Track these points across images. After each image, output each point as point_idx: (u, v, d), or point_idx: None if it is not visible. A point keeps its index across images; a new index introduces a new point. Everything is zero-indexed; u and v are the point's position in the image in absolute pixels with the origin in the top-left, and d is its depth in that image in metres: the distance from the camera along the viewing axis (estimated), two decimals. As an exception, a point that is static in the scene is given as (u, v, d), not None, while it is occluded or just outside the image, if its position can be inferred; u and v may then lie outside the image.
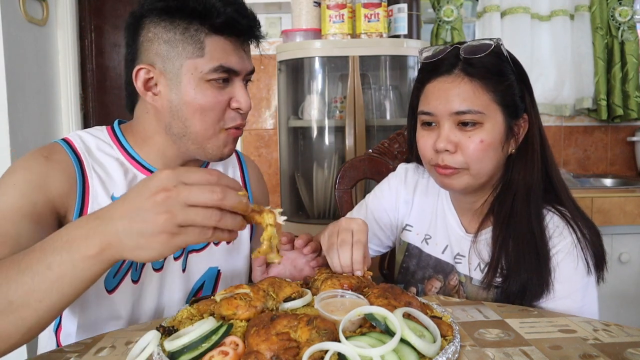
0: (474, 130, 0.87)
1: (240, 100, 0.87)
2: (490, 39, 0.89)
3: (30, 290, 0.59)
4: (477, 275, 0.94)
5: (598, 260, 0.89)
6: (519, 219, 0.89)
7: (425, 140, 0.92)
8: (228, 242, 0.94)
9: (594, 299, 0.89)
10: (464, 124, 0.87)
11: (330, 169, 2.11)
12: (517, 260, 0.87)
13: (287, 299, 0.73)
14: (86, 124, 2.47)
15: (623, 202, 1.93)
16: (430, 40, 2.52)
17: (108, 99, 2.52)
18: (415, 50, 2.14)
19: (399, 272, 1.09)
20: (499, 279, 0.89)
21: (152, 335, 0.63)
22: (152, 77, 0.85)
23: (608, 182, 2.42)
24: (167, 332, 0.65)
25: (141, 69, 0.85)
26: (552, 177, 0.93)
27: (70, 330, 0.87)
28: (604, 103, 2.49)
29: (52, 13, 2.27)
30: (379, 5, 2.08)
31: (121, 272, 0.87)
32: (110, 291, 0.86)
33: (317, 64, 2.15)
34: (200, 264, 0.96)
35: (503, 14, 2.53)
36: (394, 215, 1.12)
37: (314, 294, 0.76)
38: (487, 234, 0.94)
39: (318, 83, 2.17)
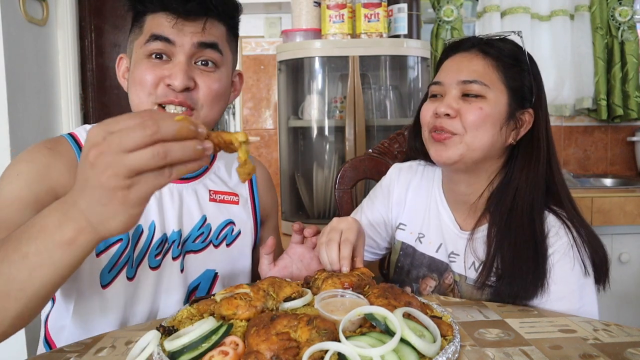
0: (476, 100, 0.90)
1: (172, 74, 0.84)
2: (513, 31, 0.95)
3: (9, 279, 0.57)
4: (472, 274, 0.94)
5: (600, 267, 0.88)
6: (519, 217, 0.88)
7: (427, 109, 0.95)
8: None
9: (593, 300, 0.88)
10: (468, 95, 0.90)
11: (330, 169, 2.11)
12: (513, 260, 0.87)
13: (287, 299, 0.73)
14: (86, 123, 2.47)
15: (623, 202, 1.93)
16: (430, 40, 2.52)
17: (108, 99, 2.52)
18: (415, 50, 2.14)
19: (394, 271, 1.09)
20: (493, 279, 0.89)
21: (152, 335, 0.63)
22: (127, 66, 0.92)
23: (608, 182, 2.42)
24: (167, 332, 0.65)
25: (121, 58, 0.94)
26: (555, 178, 0.93)
27: (64, 322, 0.87)
28: (604, 103, 2.49)
29: (52, 13, 2.27)
30: (379, 5, 2.08)
31: (117, 267, 0.86)
32: (104, 286, 0.86)
33: (317, 64, 2.15)
34: (197, 265, 0.96)
35: (503, 14, 2.53)
36: (389, 217, 1.11)
37: (314, 294, 0.76)
38: (483, 232, 0.93)
39: (318, 83, 2.17)
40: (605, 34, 2.51)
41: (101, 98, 2.52)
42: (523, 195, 0.90)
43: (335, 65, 2.18)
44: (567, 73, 2.54)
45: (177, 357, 0.58)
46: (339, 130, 2.14)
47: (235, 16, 0.94)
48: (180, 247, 0.93)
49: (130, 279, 0.88)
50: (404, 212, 1.09)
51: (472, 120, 0.89)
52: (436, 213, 1.03)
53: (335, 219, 0.89)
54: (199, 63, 0.87)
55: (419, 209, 1.07)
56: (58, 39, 2.32)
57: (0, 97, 1.90)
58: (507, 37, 0.95)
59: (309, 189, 2.16)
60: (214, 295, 0.73)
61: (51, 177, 0.81)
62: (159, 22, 0.85)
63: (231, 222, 1.00)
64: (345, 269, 0.81)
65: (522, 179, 0.91)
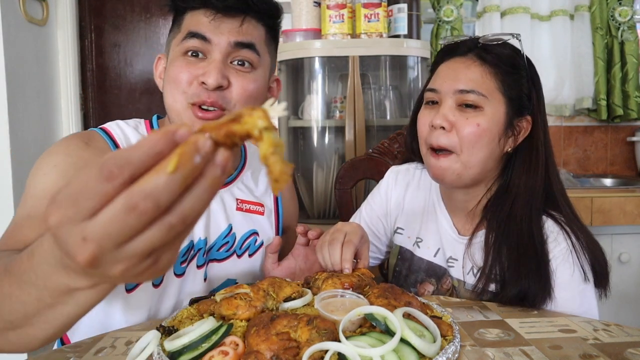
0: (472, 113, 0.87)
1: (206, 72, 0.81)
2: (511, 34, 0.91)
3: (28, 314, 0.49)
4: (471, 280, 0.92)
5: (600, 273, 0.87)
6: (518, 224, 0.87)
7: (424, 118, 0.93)
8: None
9: (593, 306, 0.88)
10: (465, 105, 0.87)
11: (330, 169, 2.11)
12: (514, 267, 0.85)
13: (287, 299, 0.72)
14: (86, 123, 2.47)
15: (623, 202, 1.93)
16: (430, 40, 2.52)
17: (108, 99, 2.52)
18: (415, 50, 2.14)
19: (392, 275, 1.09)
20: (492, 285, 0.88)
21: (152, 335, 0.63)
22: (165, 67, 0.90)
23: (608, 182, 2.41)
24: (167, 332, 0.65)
25: (160, 58, 0.94)
26: (553, 183, 0.92)
27: (82, 320, 0.85)
28: (603, 103, 2.49)
29: (52, 13, 2.27)
30: (379, 5, 2.08)
31: None
32: (129, 290, 0.85)
33: (317, 64, 2.15)
34: (220, 274, 0.95)
35: (503, 14, 2.53)
36: (387, 221, 1.11)
37: (314, 294, 0.76)
38: (481, 237, 0.92)
39: (318, 83, 2.17)
40: (605, 34, 2.51)
41: (101, 98, 2.52)
42: (521, 201, 0.89)
43: (335, 65, 2.18)
44: (567, 73, 2.54)
45: (177, 357, 0.58)
46: (339, 130, 2.14)
47: (275, 17, 0.91)
48: (205, 255, 0.92)
49: (156, 285, 0.87)
50: (401, 216, 1.08)
51: (468, 136, 0.86)
52: (434, 217, 1.02)
53: (339, 223, 0.89)
54: (235, 62, 0.85)
55: (417, 213, 1.06)
56: (58, 39, 2.32)
57: (0, 97, 1.90)
58: (506, 41, 0.91)
59: (309, 189, 2.16)
60: (214, 295, 0.73)
61: None
62: (197, 19, 0.84)
63: (255, 233, 0.99)
64: (347, 270, 0.81)
65: (520, 185, 0.90)
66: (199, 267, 0.91)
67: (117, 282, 0.41)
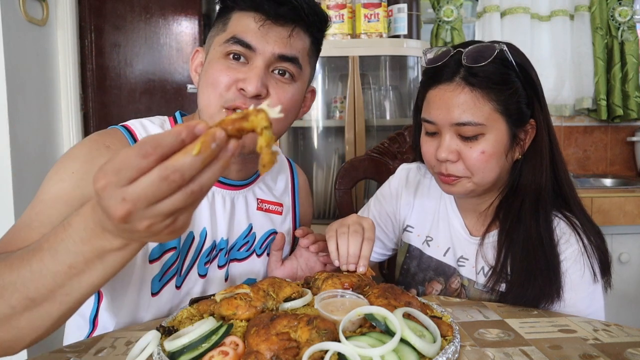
0: (475, 142, 0.85)
1: (247, 79, 0.80)
2: (496, 43, 0.85)
3: (54, 287, 0.55)
4: (482, 279, 0.93)
5: (603, 267, 0.88)
6: (527, 224, 0.87)
7: (428, 148, 0.91)
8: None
9: (601, 307, 0.88)
10: (465, 137, 0.86)
11: (330, 169, 2.11)
12: (525, 266, 0.85)
13: (287, 299, 0.72)
14: (86, 123, 2.47)
15: (623, 202, 1.93)
16: (430, 40, 2.52)
17: (108, 99, 2.52)
18: (415, 51, 2.14)
19: (399, 273, 1.08)
20: (503, 285, 0.88)
21: (152, 335, 0.63)
22: (202, 63, 0.89)
23: (608, 182, 2.41)
24: (167, 332, 0.65)
25: (196, 51, 0.92)
26: (562, 181, 0.91)
27: (106, 324, 0.85)
28: (603, 103, 2.49)
29: (52, 13, 2.27)
30: (379, 5, 2.08)
31: (167, 275, 0.85)
32: (154, 294, 0.84)
33: (317, 64, 2.15)
34: (240, 273, 0.95)
35: (503, 14, 2.53)
36: (396, 219, 1.11)
37: (314, 294, 0.76)
38: (493, 237, 0.92)
39: (318, 83, 2.17)
40: (605, 34, 2.51)
41: (101, 98, 2.52)
42: (530, 202, 0.89)
43: (335, 65, 2.18)
44: (567, 73, 2.54)
45: (177, 357, 0.58)
46: (339, 130, 2.14)
47: (323, 29, 0.90)
48: (226, 255, 0.92)
49: (178, 287, 0.87)
50: (411, 214, 1.08)
51: (476, 164, 0.86)
52: (445, 217, 1.02)
53: (354, 215, 0.85)
54: (276, 72, 0.83)
55: (428, 211, 1.05)
56: (58, 39, 2.32)
57: (0, 97, 1.90)
58: (488, 48, 0.85)
59: (309, 189, 2.16)
60: (214, 295, 0.73)
61: None
62: (245, 24, 0.82)
63: (274, 232, 0.99)
64: (362, 269, 0.78)
65: (527, 186, 0.89)
66: (220, 267, 0.91)
67: (142, 238, 0.50)
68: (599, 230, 0.91)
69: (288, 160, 1.09)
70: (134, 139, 0.84)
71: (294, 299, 0.73)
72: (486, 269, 0.92)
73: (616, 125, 2.60)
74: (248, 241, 0.95)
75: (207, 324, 0.62)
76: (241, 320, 0.66)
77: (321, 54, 0.97)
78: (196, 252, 0.87)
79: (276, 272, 0.94)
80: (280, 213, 1.01)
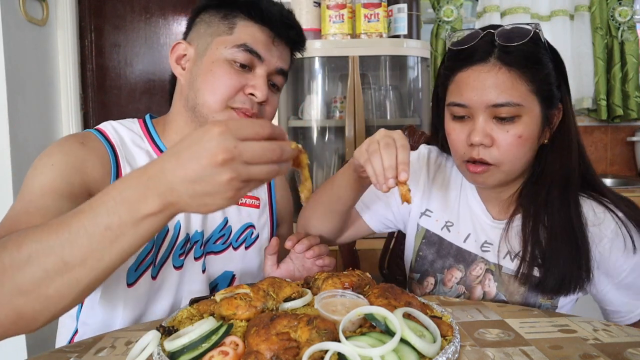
0: (511, 124, 0.82)
1: (256, 86, 0.87)
2: (528, 24, 0.84)
3: (88, 250, 0.57)
4: (507, 264, 0.91)
5: None
6: (556, 209, 0.86)
7: (457, 134, 0.87)
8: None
9: None
10: (500, 118, 0.83)
11: (330, 169, 2.11)
12: (554, 251, 0.84)
13: (287, 299, 0.72)
14: (86, 123, 2.47)
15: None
16: (430, 40, 2.52)
17: (108, 99, 2.52)
18: (415, 50, 2.14)
19: (415, 260, 1.03)
20: (536, 269, 0.86)
21: (152, 335, 0.63)
22: (186, 55, 0.92)
23: (608, 182, 2.41)
24: (167, 332, 0.65)
25: (179, 43, 0.93)
26: (587, 165, 0.91)
27: (84, 321, 0.87)
28: (603, 103, 2.49)
29: (52, 13, 2.27)
30: (379, 5, 2.08)
31: (142, 266, 0.86)
32: (130, 284, 0.86)
33: (317, 64, 2.15)
34: (217, 266, 0.97)
35: (503, 14, 2.54)
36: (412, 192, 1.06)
37: (314, 294, 0.76)
38: (518, 221, 0.90)
39: (318, 83, 2.17)
40: (605, 34, 2.51)
41: (101, 98, 2.52)
42: (558, 188, 0.87)
43: (335, 65, 2.18)
44: (567, 73, 2.54)
45: (177, 357, 0.58)
46: (339, 130, 2.14)
47: (302, 50, 1.00)
48: (202, 247, 0.94)
49: (154, 277, 0.88)
50: (430, 197, 1.03)
51: (510, 149, 0.83)
52: (466, 201, 0.99)
53: (382, 130, 0.80)
54: (271, 83, 0.92)
55: (448, 195, 1.02)
56: (58, 39, 2.32)
57: (0, 97, 1.90)
58: (523, 28, 0.83)
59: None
60: (214, 295, 0.73)
61: (85, 172, 0.81)
62: (254, 34, 0.88)
63: (251, 226, 1.01)
64: (404, 175, 0.73)
65: (555, 172, 0.88)
66: (196, 259, 0.93)
67: (204, 195, 0.56)
68: (631, 201, 0.89)
69: None
70: (107, 140, 0.88)
71: (294, 299, 0.73)
72: (512, 253, 0.90)
73: (616, 125, 2.61)
74: (224, 234, 0.97)
75: (207, 324, 0.62)
76: (241, 320, 0.66)
77: (321, 54, 1.01)
78: (170, 244, 0.89)
79: (272, 275, 0.94)
80: (258, 207, 1.03)
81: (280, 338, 0.58)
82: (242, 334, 0.63)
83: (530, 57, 0.83)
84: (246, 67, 0.88)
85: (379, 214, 1.06)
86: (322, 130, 2.18)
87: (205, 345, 0.59)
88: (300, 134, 2.28)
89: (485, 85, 0.82)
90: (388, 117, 2.21)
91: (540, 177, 0.89)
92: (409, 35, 2.15)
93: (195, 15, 0.94)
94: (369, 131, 2.09)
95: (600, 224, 0.86)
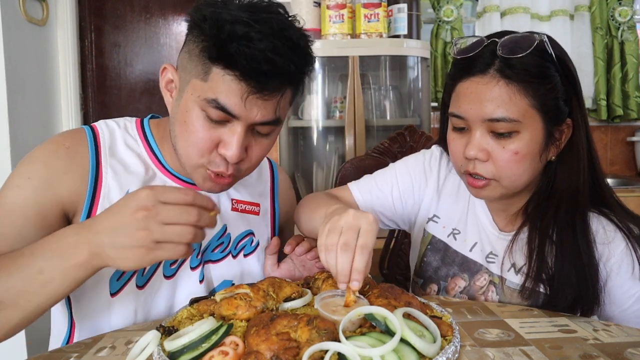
0: (508, 140, 0.79)
1: (228, 147, 0.76)
2: (535, 34, 0.79)
3: (20, 291, 0.65)
4: (512, 277, 0.89)
5: None
6: (563, 226, 0.83)
7: (455, 145, 0.85)
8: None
9: None
10: (498, 133, 0.79)
11: (330, 169, 2.11)
12: (560, 270, 0.82)
13: (287, 299, 0.72)
14: (86, 123, 2.46)
15: (623, 202, 1.92)
16: (430, 40, 2.52)
17: (108, 99, 2.52)
18: (415, 50, 2.14)
19: (419, 265, 1.01)
20: (541, 285, 0.84)
21: (152, 336, 0.63)
22: (173, 80, 0.82)
23: (608, 182, 2.41)
24: (167, 332, 0.65)
25: (165, 68, 0.83)
26: (600, 181, 0.87)
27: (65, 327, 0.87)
28: (603, 103, 2.49)
29: (52, 13, 2.27)
30: (379, 5, 2.08)
31: (125, 275, 0.84)
32: (113, 294, 0.84)
33: (317, 64, 2.15)
34: (216, 275, 0.93)
35: (503, 14, 2.54)
36: (419, 197, 1.03)
37: (314, 294, 0.76)
38: (524, 234, 0.88)
39: (318, 83, 2.17)
40: (605, 34, 2.51)
41: (101, 98, 2.52)
42: (566, 205, 0.84)
43: (335, 65, 2.18)
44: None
45: (177, 357, 0.58)
46: (339, 130, 2.14)
47: (309, 74, 0.82)
48: (199, 256, 0.90)
49: (140, 287, 0.85)
50: (439, 202, 1.01)
51: (507, 165, 0.80)
52: (474, 211, 0.97)
53: (351, 212, 0.71)
54: (257, 131, 0.80)
55: (457, 203, 0.99)
56: (58, 39, 2.32)
57: (0, 97, 1.90)
58: (528, 38, 0.79)
59: (309, 189, 2.16)
60: (213, 295, 0.73)
61: (61, 186, 0.80)
62: (229, 88, 0.73)
63: (251, 233, 0.97)
64: (357, 284, 0.67)
65: (564, 186, 0.84)
66: (192, 268, 0.89)
67: (121, 244, 0.64)
68: None
69: (269, 160, 1.08)
70: (95, 139, 0.86)
71: (294, 299, 0.73)
72: (517, 266, 0.88)
73: (616, 125, 2.61)
74: (223, 242, 0.93)
75: (207, 324, 0.62)
76: (241, 320, 0.66)
77: (321, 54, 0.95)
78: None
79: (273, 275, 0.94)
80: (257, 213, 0.99)
81: (280, 338, 0.58)
82: (242, 334, 0.63)
83: (532, 70, 0.78)
84: (223, 122, 0.76)
85: (375, 212, 1.05)
86: (322, 130, 2.18)
87: (205, 345, 0.59)
88: (300, 134, 2.28)
89: (482, 98, 0.79)
90: (388, 117, 2.21)
91: (549, 193, 0.86)
92: (409, 35, 2.15)
93: (188, 28, 0.80)
94: (369, 131, 2.09)
95: (610, 242, 0.83)
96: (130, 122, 0.92)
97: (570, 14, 2.54)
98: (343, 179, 1.41)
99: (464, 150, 0.82)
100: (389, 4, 2.15)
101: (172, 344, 0.59)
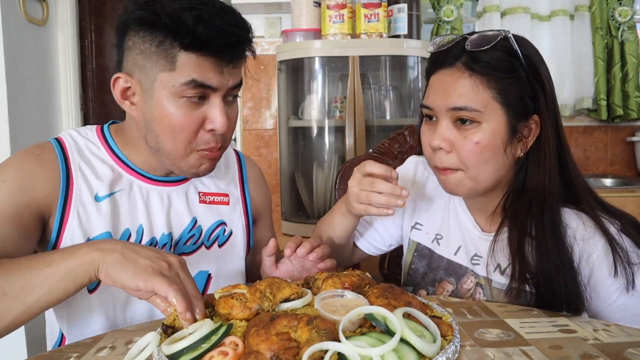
0: (470, 130, 0.83)
1: (215, 120, 0.83)
2: (498, 31, 0.83)
3: (25, 284, 0.69)
4: (497, 278, 0.90)
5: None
6: (538, 223, 0.84)
7: (425, 137, 0.89)
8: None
9: None
10: (462, 121, 0.83)
11: (330, 169, 2.11)
12: (542, 268, 0.82)
13: (285, 301, 0.72)
14: (86, 123, 2.47)
15: (623, 202, 1.92)
16: (430, 40, 2.52)
17: (108, 99, 2.52)
18: (415, 50, 2.14)
19: (407, 273, 1.04)
20: (527, 285, 0.85)
21: (152, 337, 0.63)
22: (130, 87, 0.85)
23: (608, 182, 2.41)
24: (168, 331, 0.65)
25: (119, 77, 0.85)
26: (571, 176, 0.88)
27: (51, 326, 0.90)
28: (604, 103, 2.49)
29: (52, 13, 2.27)
30: (379, 5, 2.08)
31: None
32: (90, 290, 0.86)
33: (317, 64, 2.15)
34: (190, 266, 0.92)
35: (503, 14, 2.54)
36: (401, 212, 1.06)
37: (314, 294, 0.76)
38: (505, 234, 0.89)
39: (318, 83, 2.17)
40: (605, 34, 2.51)
41: (101, 98, 2.52)
42: (537, 203, 0.85)
43: (335, 65, 2.18)
44: (567, 73, 2.54)
45: (177, 357, 0.58)
46: (339, 130, 2.14)
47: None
48: (172, 249, 0.93)
49: None
50: (420, 210, 1.04)
51: (469, 155, 0.83)
52: (455, 214, 0.99)
53: (355, 170, 0.89)
54: (229, 97, 0.87)
55: (438, 208, 1.02)
56: (58, 39, 2.32)
57: (0, 97, 1.90)
58: (492, 35, 0.83)
59: (309, 189, 2.16)
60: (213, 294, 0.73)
61: (35, 188, 0.82)
62: (201, 67, 0.80)
63: (222, 223, 1.00)
64: (405, 192, 0.84)
65: (533, 184, 0.86)
66: None
67: (126, 260, 0.69)
68: (626, 214, 0.86)
69: (236, 152, 1.10)
70: (63, 150, 0.88)
71: (293, 300, 0.73)
72: (502, 266, 0.89)
73: (616, 125, 2.61)
74: (194, 234, 0.96)
75: (206, 325, 0.62)
76: (241, 320, 0.66)
77: (321, 54, 0.97)
78: None
79: (272, 275, 0.94)
80: (227, 203, 1.02)
81: (280, 338, 0.58)
82: (242, 334, 0.63)
83: (496, 64, 0.82)
84: (203, 98, 0.83)
85: (369, 237, 1.11)
86: (322, 130, 2.18)
87: (205, 346, 0.59)
88: (300, 134, 2.28)
89: (449, 89, 0.84)
90: (388, 117, 2.21)
91: (522, 190, 0.88)
92: (409, 35, 2.15)
93: (121, 35, 0.85)
94: (369, 131, 2.09)
95: (590, 239, 0.83)
96: (91, 130, 0.95)
97: (571, 14, 2.54)
98: (343, 179, 1.41)
99: (430, 142, 0.86)
100: (389, 4, 2.15)
101: (171, 348, 0.59)
